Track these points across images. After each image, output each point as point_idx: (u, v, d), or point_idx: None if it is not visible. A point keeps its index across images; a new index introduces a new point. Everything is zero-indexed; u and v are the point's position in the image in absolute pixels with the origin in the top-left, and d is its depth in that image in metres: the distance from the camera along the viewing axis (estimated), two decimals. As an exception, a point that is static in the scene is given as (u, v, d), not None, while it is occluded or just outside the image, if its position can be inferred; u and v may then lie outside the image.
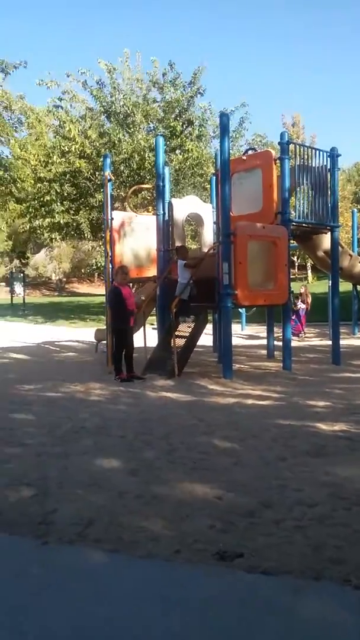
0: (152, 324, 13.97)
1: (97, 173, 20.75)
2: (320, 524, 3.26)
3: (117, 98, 21.46)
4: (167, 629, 2.17)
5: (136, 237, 11.53)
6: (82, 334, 17.94)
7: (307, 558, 2.81)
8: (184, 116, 21.91)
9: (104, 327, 11.85)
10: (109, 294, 9.53)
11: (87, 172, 21.27)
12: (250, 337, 16.69)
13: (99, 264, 35.89)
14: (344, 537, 3.06)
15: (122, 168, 21.05)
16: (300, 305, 16.12)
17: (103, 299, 13.74)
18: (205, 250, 10.34)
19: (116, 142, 20.70)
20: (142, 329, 10.20)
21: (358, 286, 12.98)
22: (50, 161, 21.97)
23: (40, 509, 3.54)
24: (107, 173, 10.84)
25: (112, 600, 2.42)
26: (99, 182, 20.46)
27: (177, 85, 21.66)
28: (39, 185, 22.67)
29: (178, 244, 10.80)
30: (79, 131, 20.83)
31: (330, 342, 10.94)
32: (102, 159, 12.18)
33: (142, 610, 2.32)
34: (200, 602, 2.34)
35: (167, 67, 21.67)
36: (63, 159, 21.59)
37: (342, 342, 11.24)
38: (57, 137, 22.49)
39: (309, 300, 16.99)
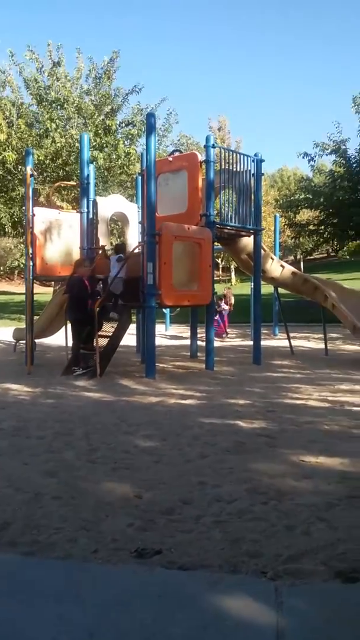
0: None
1: (19, 167, 20.11)
2: (238, 518, 3.30)
3: (55, 84, 20.92)
4: (84, 629, 2.12)
5: (59, 235, 11.31)
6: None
7: (225, 552, 2.84)
8: (118, 114, 21.75)
9: (23, 326, 11.54)
10: (72, 284, 9.31)
11: (11, 165, 20.56)
12: (174, 337, 16.79)
13: (19, 263, 34.84)
14: (260, 530, 3.11)
15: (47, 162, 20.58)
16: (224, 307, 16.38)
17: (23, 297, 13.36)
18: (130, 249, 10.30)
19: (44, 133, 20.14)
20: (63, 328, 10.04)
21: (279, 289, 13.35)
22: None
23: None
24: (29, 169, 10.57)
25: (27, 603, 2.34)
26: (21, 177, 19.89)
27: (111, 78, 21.48)
28: None
29: (102, 242, 10.70)
30: (5, 118, 20.12)
31: (251, 343, 11.18)
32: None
33: (58, 612, 2.25)
34: (116, 601, 2.31)
35: (96, 62, 21.51)
36: None
37: (263, 342, 11.53)
38: None
39: (232, 301, 17.31)
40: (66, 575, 2.59)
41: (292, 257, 55.62)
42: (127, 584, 2.47)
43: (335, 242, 23.41)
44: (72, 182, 17.20)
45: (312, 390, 7.73)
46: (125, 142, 21.51)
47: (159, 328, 15.38)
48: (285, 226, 25.17)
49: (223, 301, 16.44)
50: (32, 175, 10.68)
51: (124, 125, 21.71)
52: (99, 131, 20.72)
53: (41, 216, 10.97)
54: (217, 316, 14.73)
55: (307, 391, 7.69)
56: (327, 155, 20.48)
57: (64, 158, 20.54)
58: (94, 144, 19.95)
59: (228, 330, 16.77)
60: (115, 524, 3.22)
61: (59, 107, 20.89)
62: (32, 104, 21.48)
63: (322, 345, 12.32)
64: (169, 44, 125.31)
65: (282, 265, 11.97)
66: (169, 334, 17.95)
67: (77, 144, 18.74)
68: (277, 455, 4.64)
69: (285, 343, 12.77)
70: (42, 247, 10.94)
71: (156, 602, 2.28)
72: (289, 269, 12.06)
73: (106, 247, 10.71)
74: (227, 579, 2.50)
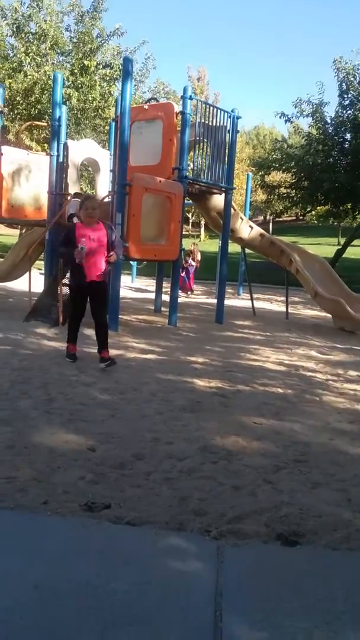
0: (40, 269, 13.57)
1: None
2: (187, 476, 3.40)
3: (36, 14, 19.80)
4: (25, 581, 2.18)
5: (27, 177, 10.98)
6: None
7: (172, 509, 2.93)
8: (97, 55, 20.81)
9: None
10: (66, 236, 6.42)
11: None
12: (139, 290, 16.74)
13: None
14: (208, 489, 3.21)
15: (18, 99, 19.73)
16: (191, 263, 16.35)
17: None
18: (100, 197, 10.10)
19: (17, 67, 19.20)
20: (27, 273, 9.85)
21: (246, 249, 13.39)
22: None
23: None
24: (0, 105, 10.13)
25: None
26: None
27: (96, 19, 20.49)
28: None
29: (71, 188, 10.45)
30: None
31: (215, 301, 11.25)
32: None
33: (2, 563, 2.30)
34: (59, 554, 2.37)
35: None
36: None
37: (227, 302, 11.61)
38: None
39: (199, 258, 17.26)
40: (14, 526, 2.64)
41: (261, 217, 55.60)
42: (74, 537, 2.54)
43: (305, 206, 23.42)
44: (43, 123, 16.60)
45: (270, 353, 7.88)
46: (103, 84, 20.71)
47: (125, 280, 15.30)
48: (257, 186, 25.02)
49: (190, 257, 16.39)
50: (1, 111, 10.27)
51: (101, 67, 20.85)
52: (75, 70, 19.87)
53: (9, 156, 10.61)
54: (183, 272, 14.71)
55: (265, 353, 7.83)
56: (304, 117, 20.22)
57: (37, 95, 19.70)
58: (69, 83, 19.18)
59: (194, 287, 16.79)
60: (67, 476, 3.27)
61: (36, 40, 19.88)
62: (9, 36, 20.35)
63: (284, 309, 12.50)
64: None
65: (250, 226, 11.95)
66: (134, 286, 17.88)
67: (50, 82, 18.00)
68: (230, 415, 4.75)
69: (249, 304, 12.89)
70: (8, 189, 10.62)
71: (101, 557, 2.35)
72: (257, 230, 12.05)
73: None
74: (172, 536, 2.59)
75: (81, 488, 3.12)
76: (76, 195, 10.34)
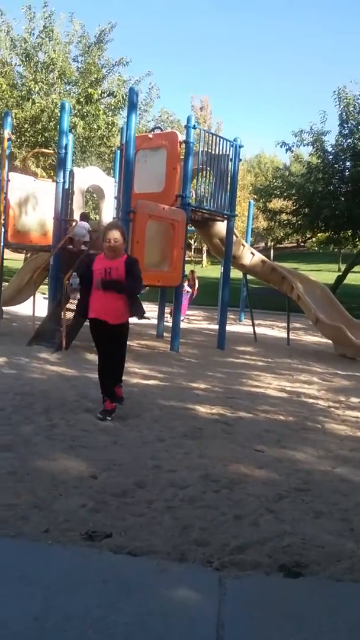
0: (44, 294, 13.64)
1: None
2: (189, 505, 3.38)
3: (46, 44, 20.25)
4: (25, 611, 2.16)
5: (33, 203, 11.13)
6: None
7: (174, 539, 2.91)
8: (102, 84, 21.24)
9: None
10: (82, 269, 6.14)
11: None
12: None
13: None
14: (210, 519, 3.19)
15: (26, 127, 20.06)
16: (186, 289, 16.34)
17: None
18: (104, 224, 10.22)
19: (26, 95, 19.56)
20: (31, 298, 9.92)
21: (248, 275, 13.48)
22: None
23: None
24: (7, 132, 10.33)
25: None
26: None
27: (102, 48, 20.97)
28: None
29: (76, 214, 10.59)
30: None
31: (217, 327, 11.28)
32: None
33: (2, 593, 2.28)
34: (60, 584, 2.35)
35: (88, 31, 20.96)
36: None
37: (229, 327, 11.65)
38: None
39: (197, 284, 17.21)
40: (15, 555, 2.62)
41: (263, 244, 55.94)
42: (75, 567, 2.52)
43: (305, 233, 23.64)
44: (49, 150, 16.88)
45: (272, 379, 7.88)
46: (107, 112, 21.10)
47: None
48: (259, 212, 25.27)
49: (187, 283, 16.40)
50: (9, 139, 10.46)
51: (105, 95, 21.26)
52: (81, 99, 20.26)
53: (16, 183, 10.77)
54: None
55: (266, 380, 7.83)
56: (304, 146, 20.54)
57: (44, 123, 20.05)
58: (75, 111, 19.53)
59: (188, 312, 16.72)
60: (68, 503, 3.26)
61: (43, 69, 20.31)
62: (18, 65, 20.81)
63: (285, 335, 12.52)
64: (157, 19, 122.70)
65: (252, 253, 12.06)
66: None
67: (57, 110, 18.34)
68: (232, 442, 4.74)
69: (250, 329, 12.92)
70: (15, 214, 10.76)
71: (102, 588, 2.33)
72: (259, 257, 12.16)
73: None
74: (174, 567, 2.57)
75: (82, 516, 3.11)
76: (82, 217, 10.48)
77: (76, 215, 10.57)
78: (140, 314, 5.54)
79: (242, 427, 5.26)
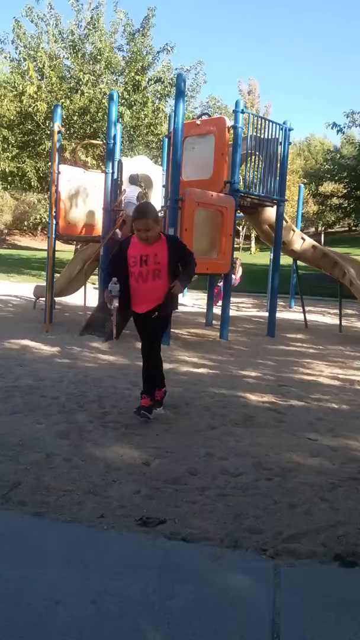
0: (94, 284, 13.85)
1: (47, 121, 19.80)
2: (242, 493, 3.38)
3: (92, 34, 20.41)
4: (84, 594, 2.22)
5: (83, 194, 11.27)
6: (20, 289, 17.51)
7: (227, 526, 2.92)
8: (148, 72, 21.22)
9: (44, 283, 11.61)
10: (114, 255, 5.30)
11: (40, 118, 20.26)
12: (191, 304, 16.80)
13: (43, 219, 34.80)
14: (263, 507, 3.19)
15: (75, 118, 20.28)
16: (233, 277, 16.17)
17: (45, 254, 13.44)
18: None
19: (75, 86, 19.78)
20: (82, 288, 10.08)
21: (298, 261, 13.26)
22: (0, 96, 20.66)
23: (-35, 469, 3.50)
24: (57, 125, 10.46)
25: (31, 563, 2.44)
26: (48, 132, 19.56)
27: (146, 36, 20.94)
28: None
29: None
30: (37, 70, 19.74)
31: (267, 314, 11.17)
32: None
33: (62, 576, 2.35)
34: (116, 569, 2.40)
35: (130, 18, 20.95)
36: (16, 99, 20.44)
37: (279, 314, 11.51)
38: (12, 72, 20.83)
39: (240, 273, 16.96)
40: (73, 539, 2.69)
41: (313, 229, 54.91)
42: (131, 552, 2.57)
43: (357, 217, 23.04)
44: (98, 141, 17.02)
45: (324, 367, 7.76)
46: (154, 100, 21.07)
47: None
48: (309, 196, 24.80)
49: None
50: (59, 131, 10.59)
51: (152, 82, 21.21)
52: (128, 87, 20.30)
53: (66, 175, 10.92)
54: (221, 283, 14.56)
55: (318, 367, 7.71)
56: (356, 127, 19.95)
57: (92, 114, 20.21)
58: (122, 101, 19.60)
59: (235, 300, 16.47)
60: (122, 490, 3.32)
61: (91, 60, 20.45)
62: (66, 57, 21.01)
63: (337, 322, 12.28)
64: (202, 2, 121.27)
65: (303, 238, 11.83)
66: (185, 300, 17.96)
67: (104, 100, 18.47)
68: (284, 431, 4.70)
69: (301, 316, 12.73)
70: (65, 206, 10.93)
71: (157, 573, 2.37)
72: (310, 242, 11.92)
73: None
74: (228, 554, 2.58)
75: (136, 502, 3.16)
76: (131, 179, 10.46)
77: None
78: (173, 308, 5.03)
79: (294, 415, 5.21)
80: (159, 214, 9.48)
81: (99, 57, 20.29)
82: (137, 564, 2.46)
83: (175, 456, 3.93)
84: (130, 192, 10.53)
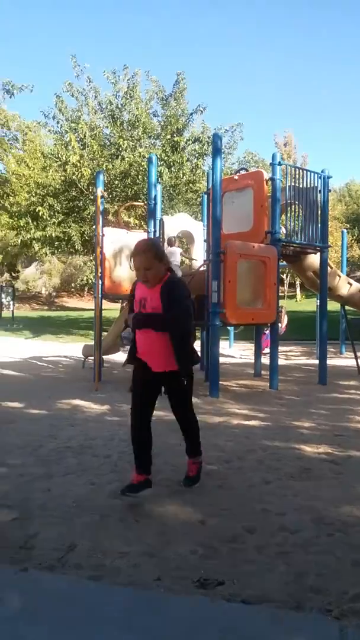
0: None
1: (90, 187, 20.69)
2: (302, 550, 3.24)
3: (129, 103, 21.47)
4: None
5: (127, 254, 11.57)
6: (70, 349, 17.87)
7: (289, 586, 2.80)
8: (184, 133, 22.04)
9: (92, 342, 11.81)
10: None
11: (83, 185, 21.19)
12: (238, 355, 16.70)
13: (89, 280, 35.87)
14: (326, 564, 3.04)
15: (116, 182, 21.09)
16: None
17: (92, 313, 13.73)
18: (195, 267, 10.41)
19: (116, 152, 20.69)
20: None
21: (346, 306, 13.10)
22: (46, 167, 21.80)
23: (20, 533, 3.49)
24: (100, 190, 10.89)
25: (91, 630, 2.39)
26: (92, 197, 20.37)
27: (179, 100, 21.87)
28: (32, 198, 22.51)
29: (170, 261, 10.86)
30: (79, 140, 20.79)
31: (317, 362, 10.97)
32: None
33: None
34: (181, 633, 2.32)
35: (161, 84, 21.94)
36: (60, 169, 21.52)
37: (329, 361, 11.29)
38: (56, 144, 22.17)
39: (286, 322, 16.77)
40: (130, 603, 2.63)
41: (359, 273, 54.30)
42: (190, 616, 2.48)
43: None
44: (140, 203, 17.59)
45: (381, 414, 7.50)
46: (192, 159, 21.75)
47: (223, 345, 15.35)
48: (353, 241, 24.65)
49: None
50: (102, 196, 11.01)
51: (190, 142, 21.96)
52: (166, 149, 21.05)
53: (110, 236, 11.27)
54: (267, 331, 14.45)
55: (375, 414, 7.46)
56: None
57: (132, 177, 20.99)
58: (161, 162, 20.30)
59: (283, 349, 16.27)
60: (178, 550, 3.24)
61: (129, 127, 21.43)
62: (106, 127, 22.09)
63: (392, 366, 11.92)
64: (234, 56, 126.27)
65: (349, 283, 11.73)
66: (232, 352, 17.88)
67: (144, 163, 19.17)
68: (343, 483, 4.52)
69: (352, 362, 12.44)
70: (110, 265, 11.23)
71: (220, 637, 2.27)
72: (357, 286, 11.81)
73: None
74: (291, 615, 2.46)
75: (193, 563, 3.07)
76: (169, 242, 10.73)
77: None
78: (187, 369, 4.08)
79: (352, 466, 5.02)
80: (202, 267, 9.65)
81: (137, 123, 21.23)
82: (198, 628, 2.36)
83: (231, 513, 3.83)
84: (172, 258, 10.73)
